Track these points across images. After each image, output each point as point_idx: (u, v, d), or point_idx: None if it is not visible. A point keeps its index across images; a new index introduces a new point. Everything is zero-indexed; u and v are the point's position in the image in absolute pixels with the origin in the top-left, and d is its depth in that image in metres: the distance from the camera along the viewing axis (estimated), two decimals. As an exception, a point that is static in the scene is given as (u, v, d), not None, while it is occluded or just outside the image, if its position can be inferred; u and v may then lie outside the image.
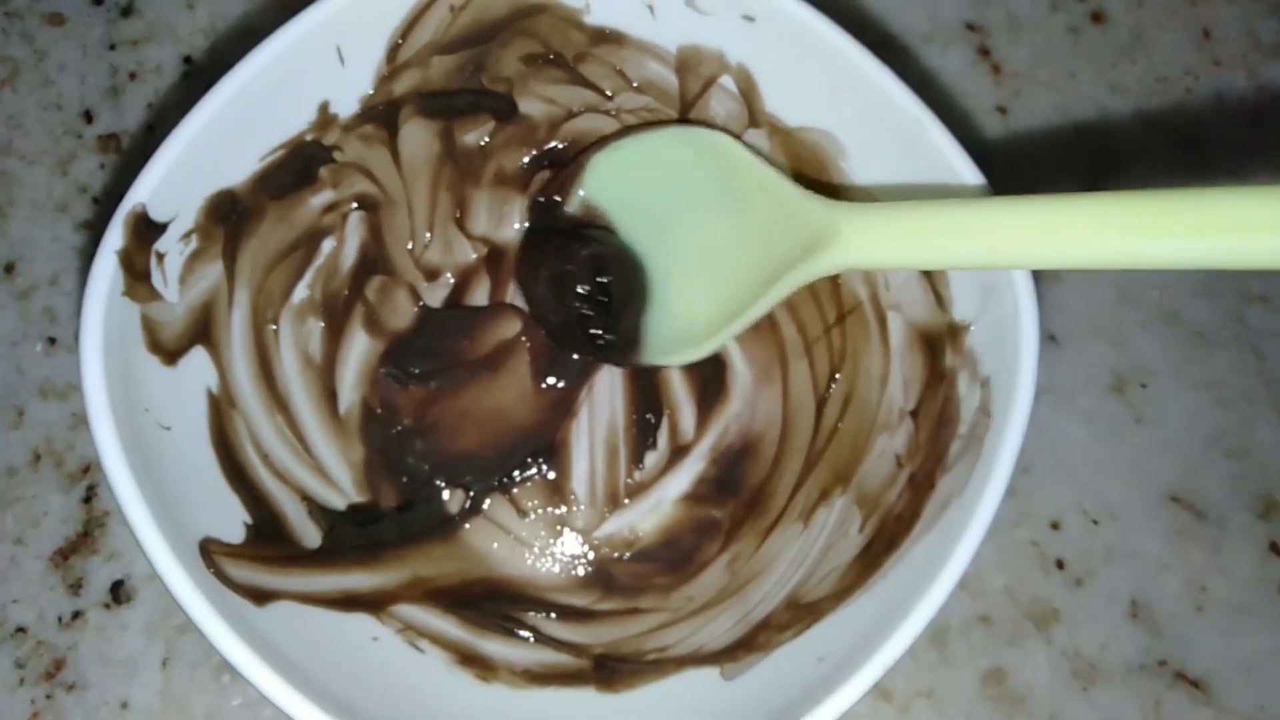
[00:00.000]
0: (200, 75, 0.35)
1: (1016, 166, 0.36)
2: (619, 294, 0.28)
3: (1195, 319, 0.35)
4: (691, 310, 0.28)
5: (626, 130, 0.30)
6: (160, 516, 0.23)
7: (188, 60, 0.35)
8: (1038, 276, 0.34)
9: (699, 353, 0.28)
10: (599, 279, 0.28)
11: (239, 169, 0.27)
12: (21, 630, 0.30)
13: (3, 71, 0.35)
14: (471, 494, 0.30)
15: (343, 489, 0.29)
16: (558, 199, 0.30)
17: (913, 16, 0.38)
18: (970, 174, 0.26)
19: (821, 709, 0.22)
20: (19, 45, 0.35)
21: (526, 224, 0.31)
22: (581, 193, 0.29)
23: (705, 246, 0.28)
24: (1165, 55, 0.38)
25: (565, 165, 0.30)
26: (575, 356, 0.30)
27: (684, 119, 0.30)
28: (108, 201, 0.23)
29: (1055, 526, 0.33)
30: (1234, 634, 0.32)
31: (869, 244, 0.25)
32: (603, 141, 0.30)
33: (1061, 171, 0.36)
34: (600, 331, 0.29)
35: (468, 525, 0.30)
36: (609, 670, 0.27)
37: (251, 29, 0.36)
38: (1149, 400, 0.34)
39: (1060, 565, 0.33)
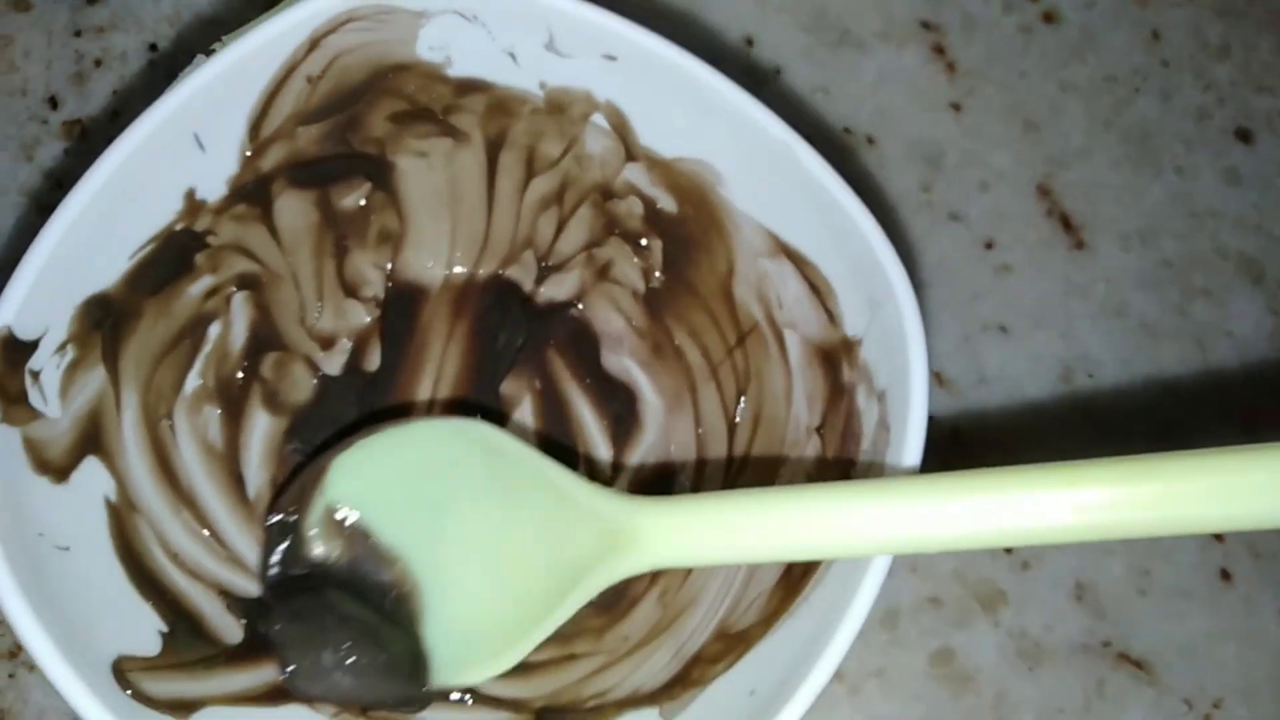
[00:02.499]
0: (165, 63, 0.36)
1: (969, 163, 0.37)
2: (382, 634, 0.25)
3: (1141, 312, 0.36)
4: (480, 618, 0.26)
5: (374, 428, 0.27)
6: (66, 645, 0.22)
7: (153, 48, 0.36)
8: (987, 265, 0.35)
9: (498, 666, 0.26)
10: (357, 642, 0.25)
11: (108, 271, 0.26)
12: None
13: (-33, 58, 0.35)
14: (395, 560, 0.30)
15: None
16: (294, 517, 0.26)
17: (868, 14, 0.38)
18: (839, 190, 0.26)
19: (756, 746, 0.22)
20: None
21: (267, 569, 0.27)
22: (325, 501, 0.26)
23: (484, 543, 0.26)
24: (1115, 55, 0.39)
25: (299, 473, 0.28)
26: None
27: (449, 408, 0.30)
28: (73, 186, 0.23)
29: (1004, 511, 0.34)
30: (1175, 617, 0.33)
31: (675, 542, 0.24)
32: (346, 443, 0.27)
33: (1013, 166, 0.37)
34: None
35: (394, 593, 0.30)
36: (551, 724, 0.27)
37: (216, 19, 0.36)
38: (1096, 390, 0.35)
39: (1008, 549, 0.33)
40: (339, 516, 0.26)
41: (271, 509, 0.27)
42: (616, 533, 0.25)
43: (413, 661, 0.25)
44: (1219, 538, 0.34)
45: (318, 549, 0.26)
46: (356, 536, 0.26)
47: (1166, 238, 0.37)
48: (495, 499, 0.26)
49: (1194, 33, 0.39)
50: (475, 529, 0.26)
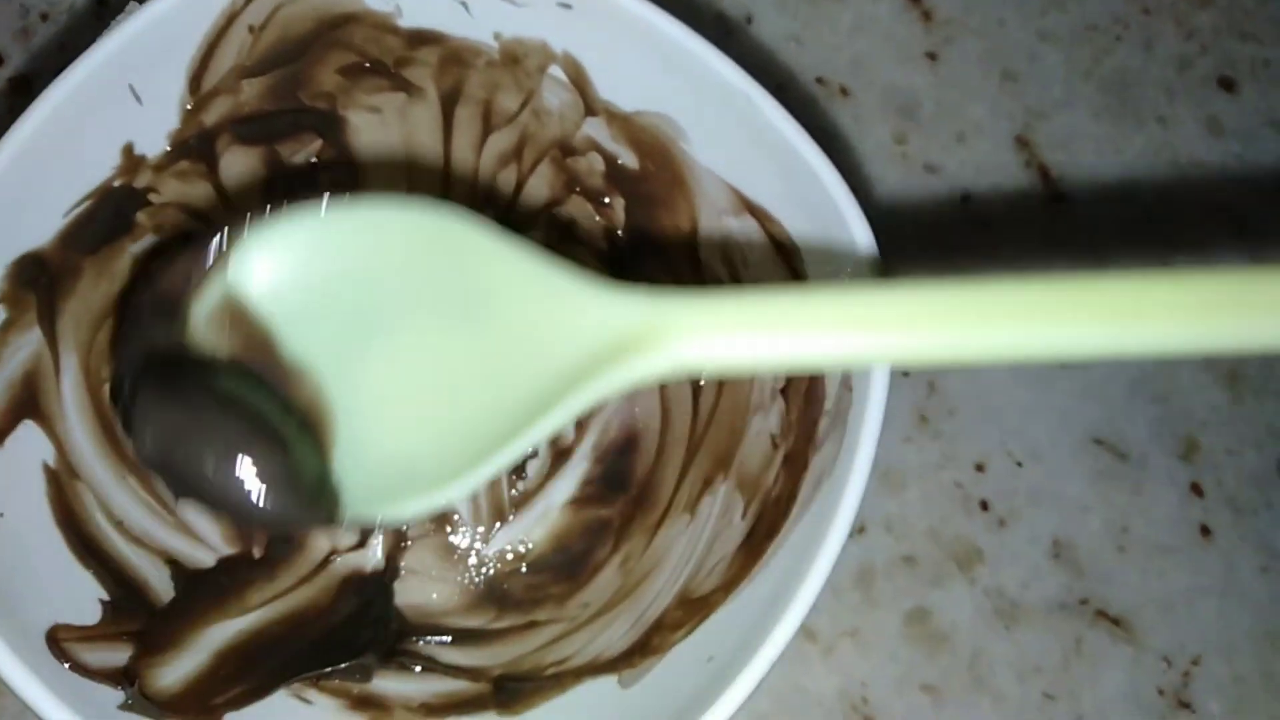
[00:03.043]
0: (113, 15, 0.33)
1: (946, 114, 0.36)
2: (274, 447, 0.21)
3: (1122, 265, 0.35)
4: (414, 447, 0.21)
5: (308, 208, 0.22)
6: (-3, 614, 0.21)
7: (101, 1, 0.34)
8: (964, 218, 0.34)
9: (433, 501, 0.21)
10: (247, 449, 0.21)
11: (41, 229, 0.25)
12: None
13: (-95, 13, 0.34)
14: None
15: (210, 543, 0.28)
16: (181, 291, 0.21)
17: None
18: (803, 144, 0.25)
19: (709, 714, 0.22)
20: None
21: (127, 346, 0.22)
22: (223, 286, 0.21)
23: (429, 359, 0.21)
24: (1095, 3, 0.38)
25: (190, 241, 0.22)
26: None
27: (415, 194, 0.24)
28: None
29: (980, 469, 0.33)
30: (1154, 573, 0.33)
31: (712, 340, 0.20)
32: (260, 221, 0.21)
33: (991, 117, 0.36)
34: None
35: (348, 559, 0.29)
36: (509, 692, 0.27)
37: None
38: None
39: (984, 506, 0.33)
40: (234, 312, 0.21)
41: (142, 288, 0.22)
42: (630, 331, 0.20)
43: (315, 482, 0.21)
44: (1199, 492, 0.33)
45: (200, 341, 0.21)
46: (255, 341, 0.21)
47: (1147, 189, 0.36)
48: (453, 301, 0.21)
49: (1176, -21, 0.38)
50: (420, 339, 0.21)
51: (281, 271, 0.21)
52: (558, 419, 0.21)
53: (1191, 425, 0.34)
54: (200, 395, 0.21)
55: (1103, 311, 0.19)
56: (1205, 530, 0.33)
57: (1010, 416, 0.34)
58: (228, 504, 0.21)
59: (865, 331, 0.20)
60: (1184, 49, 0.38)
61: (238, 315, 0.21)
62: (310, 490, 0.21)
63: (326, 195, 0.21)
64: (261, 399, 0.21)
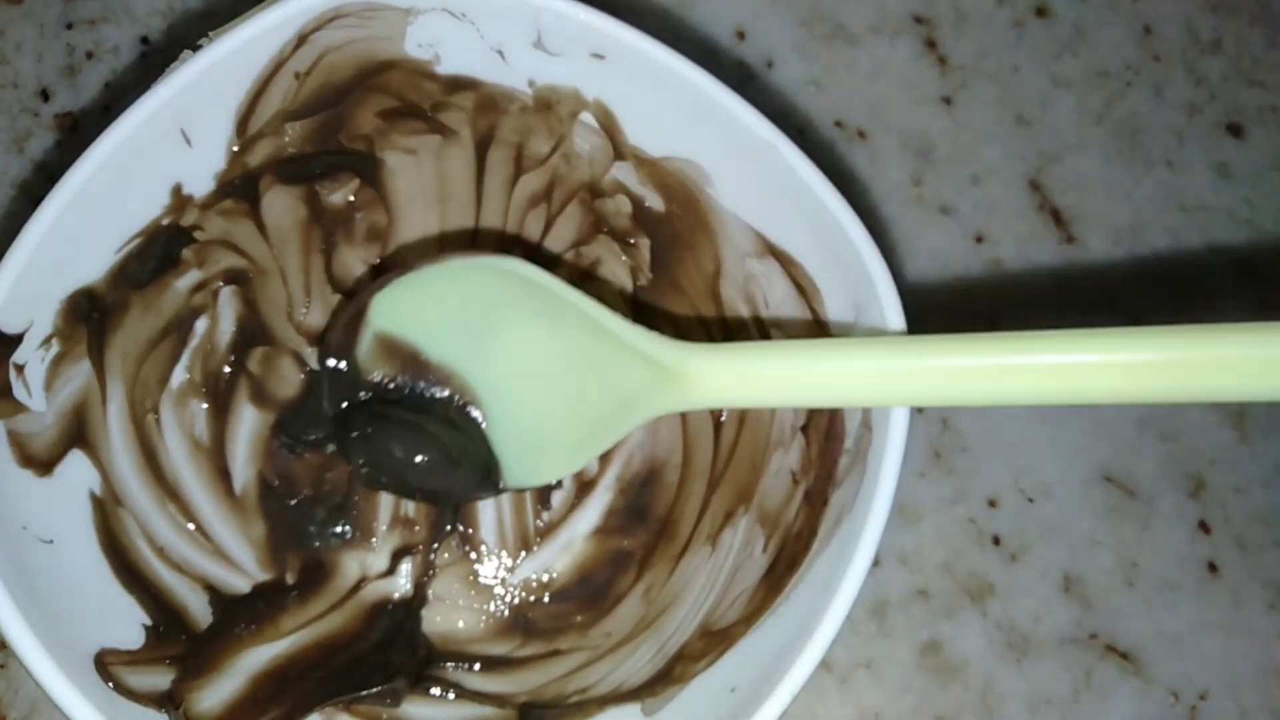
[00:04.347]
0: (157, 56, 0.36)
1: (961, 157, 0.37)
2: (449, 450, 0.27)
3: (1132, 306, 0.36)
4: (538, 423, 0.27)
5: (411, 266, 0.28)
6: (48, 638, 0.22)
7: (145, 41, 0.36)
8: (977, 259, 0.35)
9: (570, 467, 0.28)
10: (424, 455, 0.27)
11: (94, 265, 0.26)
12: None
13: (-42, 50, 0.35)
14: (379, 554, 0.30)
15: (246, 570, 0.29)
16: (342, 360, 0.27)
17: (861, 8, 0.38)
18: (826, 192, 0.26)
19: (734, 744, 0.22)
20: None
21: (331, 403, 0.28)
22: (372, 330, 0.27)
23: (537, 368, 0.27)
24: (1107, 50, 0.39)
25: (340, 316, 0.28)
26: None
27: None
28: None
29: (992, 504, 0.34)
30: (1163, 608, 0.33)
31: (723, 385, 0.25)
32: (383, 280, 0.28)
33: (1004, 160, 0.37)
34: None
35: (378, 586, 0.30)
36: (534, 718, 0.27)
37: (208, 11, 0.36)
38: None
39: (996, 541, 0.34)
40: (387, 344, 0.27)
41: (320, 357, 0.28)
42: (666, 371, 0.26)
43: (483, 463, 0.27)
44: (1206, 530, 0.34)
45: (372, 374, 0.27)
46: (408, 356, 0.27)
47: (1157, 232, 0.37)
48: (541, 327, 0.27)
49: (1186, 27, 0.39)
50: (524, 351, 0.27)
51: (410, 308, 0.27)
52: (628, 426, 0.27)
53: (1200, 463, 0.35)
54: (393, 423, 0.27)
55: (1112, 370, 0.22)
56: (1212, 567, 0.34)
57: (1022, 453, 0.35)
58: (435, 495, 0.28)
59: (854, 383, 0.24)
60: (1193, 95, 0.39)
61: (389, 345, 0.27)
62: (479, 468, 0.27)
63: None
64: (432, 413, 0.27)
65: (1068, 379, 0.23)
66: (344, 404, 0.27)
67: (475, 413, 0.27)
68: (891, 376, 0.24)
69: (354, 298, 0.28)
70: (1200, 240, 0.37)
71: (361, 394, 0.27)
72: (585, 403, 0.27)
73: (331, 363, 0.27)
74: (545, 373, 0.27)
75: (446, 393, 0.27)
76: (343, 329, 0.27)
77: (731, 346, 0.26)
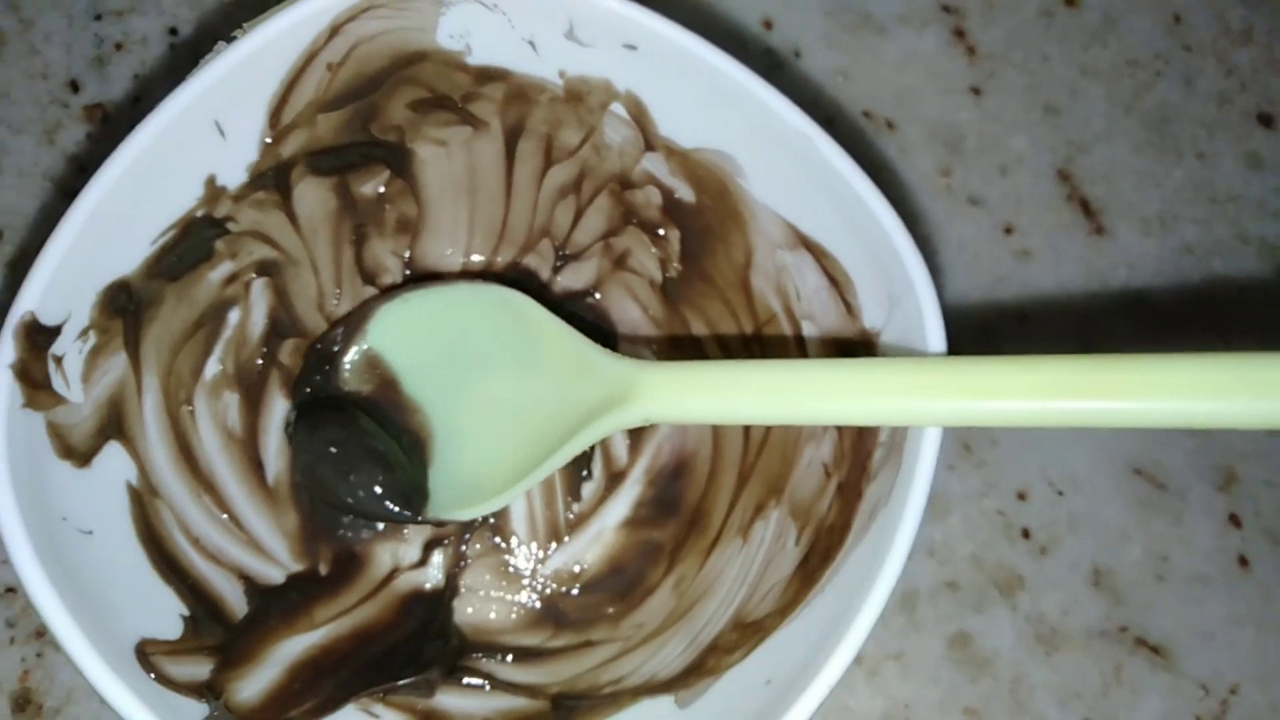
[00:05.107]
0: (185, 47, 0.36)
1: (989, 147, 0.37)
2: (394, 462, 0.28)
3: (1161, 298, 0.36)
4: (482, 464, 0.28)
5: (416, 282, 0.30)
6: (90, 628, 0.22)
7: (173, 32, 0.36)
8: (1006, 250, 0.35)
9: (490, 506, 0.28)
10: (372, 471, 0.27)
11: (129, 257, 0.26)
12: (11, 590, 0.31)
13: (-11, 41, 0.35)
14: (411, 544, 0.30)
15: (279, 560, 0.29)
16: (335, 349, 0.29)
17: None
18: (860, 183, 0.26)
19: (772, 736, 0.22)
20: (5, 15, 0.36)
21: (300, 388, 0.30)
22: (365, 344, 0.29)
23: (498, 401, 0.28)
24: (1136, 39, 0.38)
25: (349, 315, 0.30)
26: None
27: (480, 274, 0.31)
28: (95, 171, 0.24)
29: (1021, 497, 0.34)
30: (1193, 602, 0.33)
31: (668, 399, 0.26)
32: (389, 293, 0.30)
33: (1033, 150, 0.37)
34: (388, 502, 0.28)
35: (410, 576, 0.30)
36: (567, 709, 0.27)
37: (235, 2, 0.37)
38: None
39: (1026, 534, 0.34)
40: (373, 362, 0.29)
41: (318, 339, 0.30)
42: (618, 389, 0.26)
43: (412, 489, 0.28)
44: (1237, 523, 0.34)
45: (350, 383, 0.29)
46: (386, 383, 0.29)
47: (1187, 223, 0.37)
48: (515, 359, 0.28)
49: (1216, 17, 0.39)
50: (493, 386, 0.28)
51: (403, 331, 0.29)
52: (573, 449, 0.27)
53: (1230, 457, 0.35)
54: (339, 427, 0.28)
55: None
56: (1243, 560, 0.34)
57: (1051, 446, 0.35)
58: (353, 506, 0.28)
59: (794, 397, 0.25)
60: (1224, 85, 0.38)
61: (374, 364, 0.29)
62: (411, 495, 0.28)
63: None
64: (383, 429, 0.28)
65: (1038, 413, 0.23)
66: (309, 395, 0.29)
67: (427, 449, 0.28)
68: (840, 392, 0.24)
69: (361, 307, 0.30)
70: (1230, 231, 0.37)
71: (326, 393, 0.29)
72: (534, 440, 0.27)
73: (319, 347, 0.29)
74: (503, 412, 0.28)
75: (408, 425, 0.28)
76: (345, 327, 0.29)
77: (679, 364, 0.27)
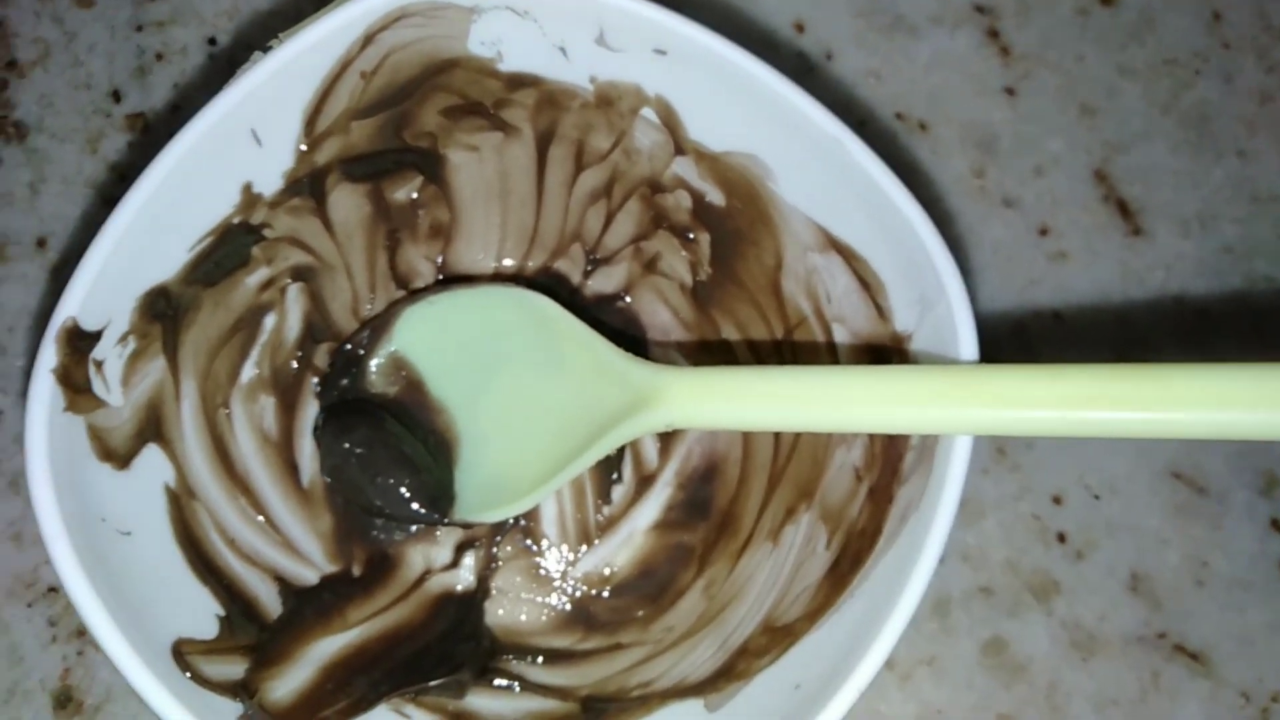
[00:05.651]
0: (224, 57, 0.37)
1: (1024, 147, 0.37)
2: (420, 465, 0.28)
3: (1201, 299, 0.35)
4: (508, 467, 0.28)
5: (442, 285, 0.31)
6: (128, 627, 0.23)
7: (212, 42, 0.37)
8: (1041, 252, 0.35)
9: (517, 508, 0.28)
10: (398, 472, 0.28)
11: (168, 263, 0.27)
12: (53, 590, 0.31)
13: (34, 52, 0.36)
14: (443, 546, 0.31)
15: (314, 562, 0.29)
16: (362, 351, 0.29)
17: None
18: (892, 186, 0.26)
19: (800, 741, 0.22)
20: (50, 27, 0.37)
21: (323, 389, 0.30)
22: (392, 347, 0.29)
23: (523, 403, 0.28)
24: (1174, 38, 0.38)
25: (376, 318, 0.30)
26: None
27: (512, 278, 0.32)
28: (135, 179, 0.25)
29: (1057, 501, 0.34)
30: (1233, 608, 0.33)
31: (691, 405, 0.26)
32: (414, 295, 0.30)
33: (1069, 151, 0.37)
34: (414, 504, 0.28)
35: (442, 578, 0.30)
36: (596, 712, 0.28)
37: (273, 13, 0.37)
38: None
39: (1061, 538, 0.33)
40: (399, 364, 0.29)
41: (345, 340, 0.30)
42: (641, 394, 0.26)
43: (439, 492, 0.28)
44: (1278, 529, 0.33)
45: (375, 385, 0.29)
46: (412, 384, 0.29)
47: (1227, 223, 0.36)
48: (541, 363, 0.28)
49: (1256, 13, 0.38)
50: (518, 388, 0.28)
51: (429, 333, 0.29)
52: (596, 453, 0.27)
53: (1271, 461, 0.34)
54: (366, 429, 0.28)
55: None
56: (1285, 566, 0.33)
57: (1087, 449, 0.34)
58: (380, 508, 0.28)
59: (816, 405, 0.25)
60: (1264, 82, 0.38)
61: (400, 366, 0.29)
62: (438, 497, 0.28)
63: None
64: (409, 431, 0.28)
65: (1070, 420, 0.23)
66: (336, 396, 0.29)
67: (453, 450, 0.28)
68: (865, 401, 0.24)
69: (387, 310, 0.30)
70: (1272, 231, 0.36)
71: (352, 395, 0.29)
72: (559, 444, 0.27)
73: (348, 348, 0.29)
74: (528, 416, 0.28)
75: (434, 426, 0.28)
76: (371, 329, 0.29)
77: (702, 369, 0.27)
